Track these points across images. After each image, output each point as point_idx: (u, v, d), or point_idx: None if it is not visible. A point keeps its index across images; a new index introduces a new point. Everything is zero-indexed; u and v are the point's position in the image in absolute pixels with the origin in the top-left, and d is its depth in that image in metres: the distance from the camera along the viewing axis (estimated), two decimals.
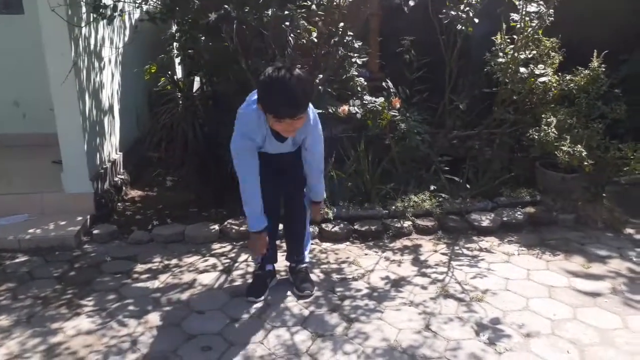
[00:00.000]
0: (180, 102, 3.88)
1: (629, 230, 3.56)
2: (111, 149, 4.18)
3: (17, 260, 3.21)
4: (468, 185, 3.95)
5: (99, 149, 3.91)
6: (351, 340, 2.45)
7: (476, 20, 3.66)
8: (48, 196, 3.68)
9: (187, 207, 3.92)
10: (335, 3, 3.64)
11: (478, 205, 3.77)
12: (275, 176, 2.76)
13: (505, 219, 3.63)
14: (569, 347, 2.39)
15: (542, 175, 4.05)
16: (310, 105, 2.51)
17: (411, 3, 3.54)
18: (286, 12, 3.51)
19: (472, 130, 4.33)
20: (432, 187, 3.87)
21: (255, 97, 2.48)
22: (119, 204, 4.01)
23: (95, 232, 3.49)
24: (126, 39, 4.49)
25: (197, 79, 4.58)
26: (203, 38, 3.41)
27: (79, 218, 3.56)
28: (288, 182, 2.82)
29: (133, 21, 4.49)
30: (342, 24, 3.76)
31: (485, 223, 3.58)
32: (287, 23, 3.57)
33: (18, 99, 4.76)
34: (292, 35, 3.58)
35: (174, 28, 3.96)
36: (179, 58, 4.04)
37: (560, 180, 3.91)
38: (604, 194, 3.87)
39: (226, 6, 3.28)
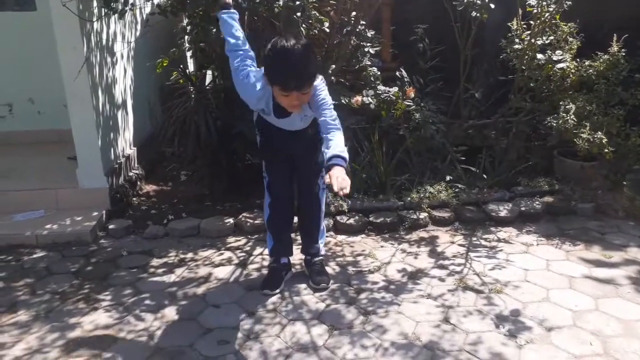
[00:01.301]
0: (193, 95, 3.86)
1: None
2: (125, 144, 4.19)
3: (34, 256, 3.23)
4: (485, 175, 3.89)
5: (113, 144, 3.92)
6: (369, 334, 2.42)
7: (492, 6, 3.58)
8: (63, 192, 3.70)
9: (201, 201, 3.91)
10: None
11: (495, 195, 3.71)
12: (289, 164, 2.74)
13: (523, 209, 3.57)
14: (591, 339, 2.34)
15: (560, 163, 3.98)
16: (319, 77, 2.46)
17: None
18: (297, 2, 3.47)
19: (488, 119, 4.26)
20: (448, 178, 3.82)
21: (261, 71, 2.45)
22: (133, 198, 4.02)
23: (110, 227, 3.50)
24: (137, 33, 4.49)
25: (209, 72, 4.55)
26: (214, 30, 3.37)
27: (95, 213, 3.58)
28: (302, 170, 2.79)
29: (144, 15, 4.48)
30: (354, 13, 3.72)
31: (502, 213, 3.52)
32: (299, 14, 3.53)
33: (33, 96, 4.78)
34: (303, 25, 3.54)
35: (185, 21, 3.94)
36: (191, 51, 4.02)
37: (579, 169, 3.84)
38: (624, 182, 3.78)
39: None
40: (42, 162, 4.24)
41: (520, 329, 2.41)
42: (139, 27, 4.50)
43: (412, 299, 2.67)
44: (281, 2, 3.43)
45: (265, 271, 2.95)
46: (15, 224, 3.50)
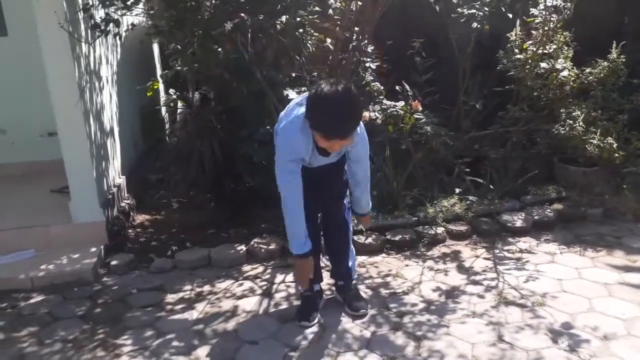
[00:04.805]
0: (188, 117, 3.67)
1: None
2: (115, 172, 3.92)
3: (32, 301, 2.93)
4: (492, 186, 3.87)
5: (105, 174, 3.66)
6: None
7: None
8: (55, 228, 3.40)
9: (203, 229, 3.69)
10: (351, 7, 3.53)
11: (506, 205, 3.69)
12: (314, 187, 2.59)
13: (536, 217, 3.56)
14: None
15: (562, 170, 4.01)
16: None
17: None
18: (298, 20, 3.36)
19: (486, 130, 4.26)
20: (457, 190, 3.77)
21: (297, 112, 2.34)
22: (129, 230, 3.76)
23: (112, 263, 3.23)
24: (119, 56, 4.25)
25: (196, 94, 4.36)
26: (219, 50, 3.22)
27: (93, 249, 3.30)
28: (327, 193, 2.65)
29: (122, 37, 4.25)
30: (356, 29, 3.64)
31: (518, 223, 3.49)
32: (301, 30, 3.43)
33: (4, 126, 4.42)
34: (309, 42, 3.44)
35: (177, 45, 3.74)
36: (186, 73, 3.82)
37: (581, 175, 3.89)
38: (624, 186, 3.84)
39: (242, 15, 3.11)
40: (24, 197, 3.90)
41: (578, 342, 2.35)
42: (119, 50, 4.26)
43: (459, 319, 2.57)
44: (284, 19, 3.33)
45: (293, 299, 2.78)
46: (4, 266, 3.18)
